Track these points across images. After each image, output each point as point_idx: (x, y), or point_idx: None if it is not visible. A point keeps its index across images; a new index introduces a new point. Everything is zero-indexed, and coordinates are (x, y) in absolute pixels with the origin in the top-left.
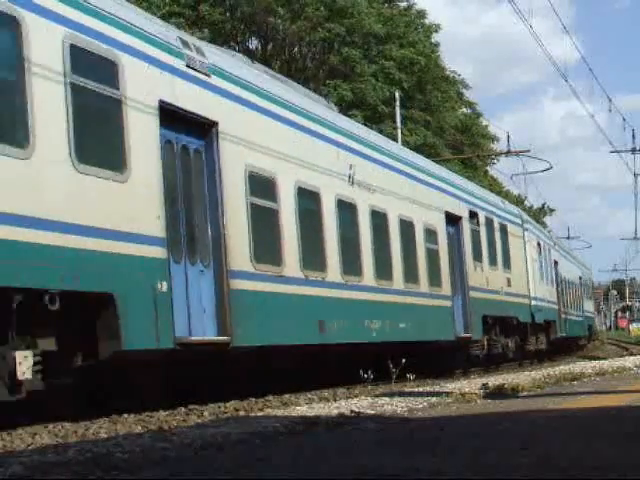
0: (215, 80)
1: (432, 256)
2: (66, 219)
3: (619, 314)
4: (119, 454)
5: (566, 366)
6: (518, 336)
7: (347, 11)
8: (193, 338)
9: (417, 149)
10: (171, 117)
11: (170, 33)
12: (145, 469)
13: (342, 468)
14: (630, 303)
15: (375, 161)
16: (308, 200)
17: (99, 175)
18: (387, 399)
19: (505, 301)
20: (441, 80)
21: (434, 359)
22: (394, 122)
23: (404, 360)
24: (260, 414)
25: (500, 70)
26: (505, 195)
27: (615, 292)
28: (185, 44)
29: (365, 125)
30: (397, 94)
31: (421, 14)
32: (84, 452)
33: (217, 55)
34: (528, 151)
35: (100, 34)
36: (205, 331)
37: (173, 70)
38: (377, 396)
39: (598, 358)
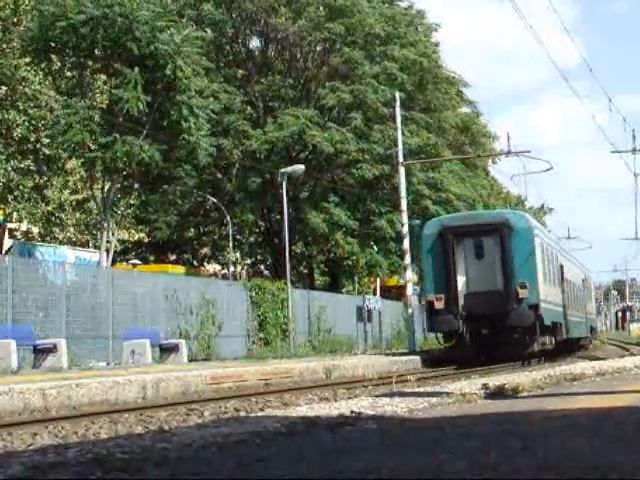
0: (560, 247)
1: (582, 298)
2: (554, 301)
3: (619, 314)
4: (119, 454)
5: (566, 366)
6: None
7: (347, 10)
8: (568, 335)
9: (418, 151)
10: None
11: (554, 241)
12: (146, 469)
13: (342, 468)
14: (630, 303)
15: (574, 265)
16: (577, 284)
17: (555, 289)
18: (387, 399)
19: (591, 318)
20: (442, 80)
21: (576, 346)
22: (395, 123)
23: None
24: (260, 414)
25: (500, 70)
26: (506, 196)
27: (615, 292)
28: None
29: (366, 126)
30: (397, 95)
31: (421, 14)
32: (84, 452)
33: (557, 238)
34: (529, 151)
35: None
36: (564, 334)
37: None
38: (377, 397)
39: (598, 358)
